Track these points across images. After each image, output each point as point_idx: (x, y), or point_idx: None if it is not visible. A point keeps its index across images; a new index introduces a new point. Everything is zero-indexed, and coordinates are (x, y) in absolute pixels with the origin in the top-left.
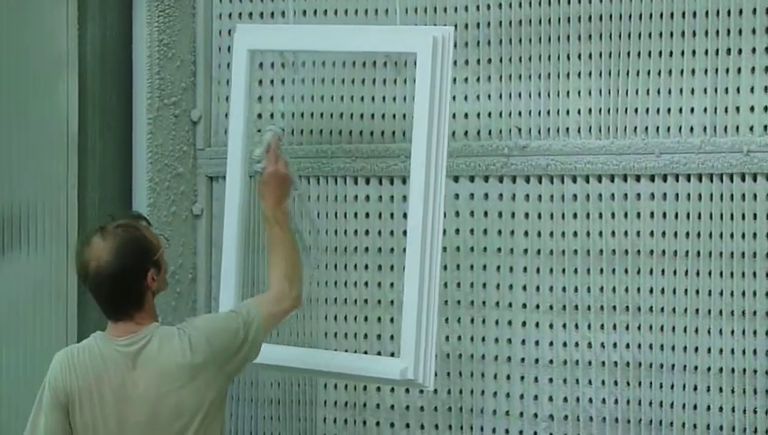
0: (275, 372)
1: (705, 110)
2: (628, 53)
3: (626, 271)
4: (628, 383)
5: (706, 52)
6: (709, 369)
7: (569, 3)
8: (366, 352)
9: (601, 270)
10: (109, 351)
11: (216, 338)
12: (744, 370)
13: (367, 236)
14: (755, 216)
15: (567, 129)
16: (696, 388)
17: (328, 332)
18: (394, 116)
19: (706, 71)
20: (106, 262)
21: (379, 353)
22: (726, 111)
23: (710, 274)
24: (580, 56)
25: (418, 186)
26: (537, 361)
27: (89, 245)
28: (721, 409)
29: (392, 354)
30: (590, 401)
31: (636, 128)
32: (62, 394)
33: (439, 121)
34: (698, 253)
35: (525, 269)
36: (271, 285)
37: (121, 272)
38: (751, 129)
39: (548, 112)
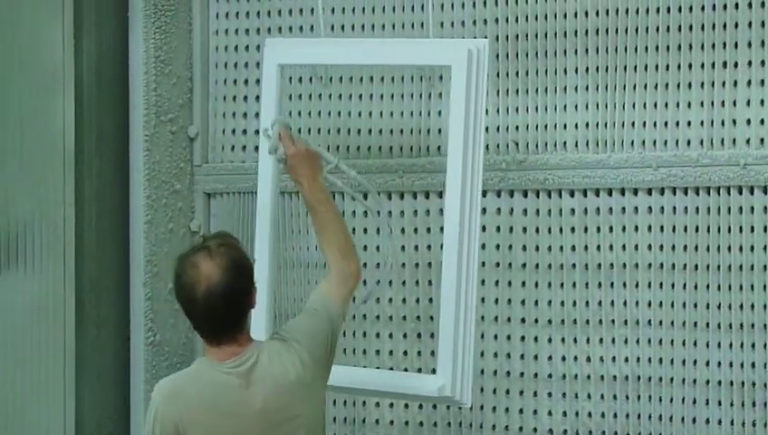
0: None
1: (702, 123)
2: (625, 67)
3: (624, 285)
4: (628, 397)
5: (703, 65)
6: (708, 382)
7: (565, 17)
8: (406, 370)
9: (600, 284)
10: (217, 375)
11: (314, 347)
12: (743, 383)
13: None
14: (752, 228)
15: (564, 143)
16: (695, 401)
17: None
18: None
19: (703, 84)
20: (218, 282)
21: (419, 370)
22: (723, 124)
23: (708, 287)
24: (576, 70)
25: (454, 200)
26: (536, 375)
27: (195, 266)
28: (720, 422)
29: (433, 371)
30: (590, 415)
31: (633, 141)
32: (171, 425)
33: (475, 134)
34: (696, 266)
35: (524, 284)
36: (330, 267)
37: (233, 291)
38: (747, 142)
39: (545, 127)
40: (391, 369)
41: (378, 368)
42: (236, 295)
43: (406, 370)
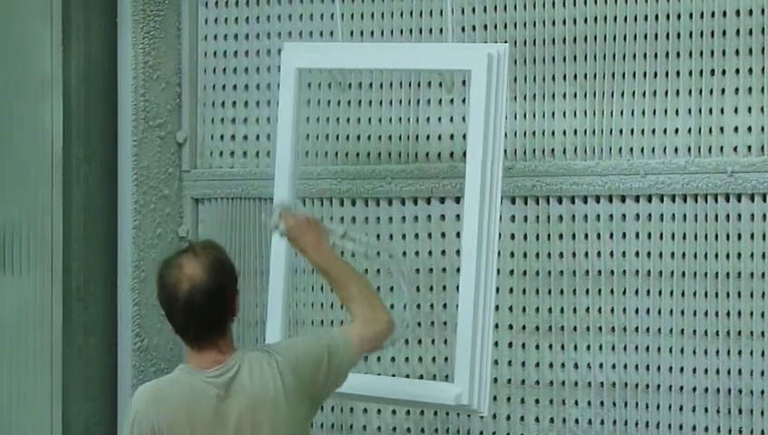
0: None
1: (690, 130)
2: (613, 75)
3: (612, 292)
4: (615, 404)
5: (690, 73)
6: (695, 389)
7: (553, 24)
8: (422, 376)
9: (587, 291)
10: (197, 383)
11: (300, 366)
12: (729, 390)
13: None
14: (740, 236)
15: (552, 150)
16: (681, 408)
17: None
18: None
19: (690, 91)
20: (202, 280)
21: (434, 377)
22: (710, 131)
23: (695, 294)
24: (564, 77)
25: (473, 205)
26: (523, 382)
27: (179, 266)
28: (706, 429)
29: (446, 377)
30: (577, 422)
31: (621, 149)
32: (148, 429)
33: (495, 139)
34: (683, 273)
35: (511, 290)
36: (354, 317)
37: (217, 290)
38: (735, 149)
39: (533, 133)
40: (407, 377)
41: (393, 375)
42: (219, 294)
43: (421, 377)
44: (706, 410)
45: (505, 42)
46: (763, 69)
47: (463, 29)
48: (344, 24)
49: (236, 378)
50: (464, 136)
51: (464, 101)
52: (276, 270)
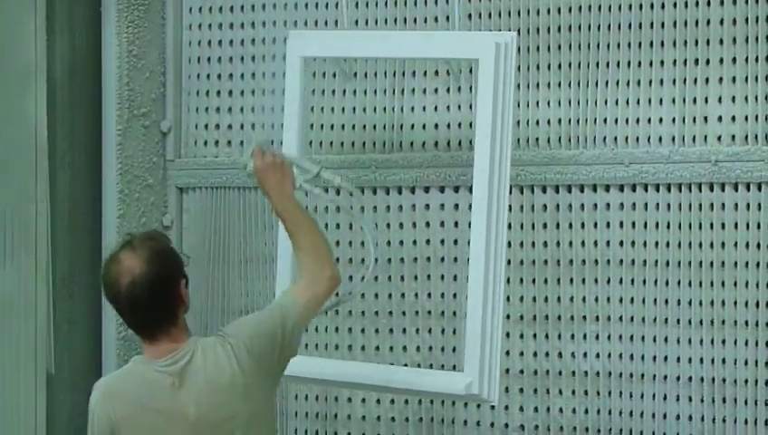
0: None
1: (674, 120)
2: (597, 64)
3: (596, 281)
4: (599, 393)
5: (674, 62)
6: (678, 378)
7: (538, 14)
8: (431, 366)
9: (571, 280)
10: (150, 373)
11: (255, 346)
12: (713, 379)
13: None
14: (723, 225)
15: (537, 139)
16: (665, 397)
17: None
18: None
19: (674, 81)
20: (141, 272)
21: (442, 366)
22: (694, 121)
23: (678, 283)
24: (549, 66)
25: (482, 195)
26: (508, 371)
27: (118, 261)
28: (690, 417)
29: (454, 367)
30: (561, 410)
31: (605, 138)
32: (107, 424)
33: (503, 128)
34: (667, 263)
35: None
36: (301, 273)
37: (158, 280)
38: (719, 138)
39: (518, 123)
40: (419, 366)
41: (406, 365)
42: (161, 285)
43: (431, 366)
44: (690, 398)
45: (490, 29)
46: (746, 58)
47: (459, 18)
48: (342, 11)
49: (189, 365)
50: (447, 125)
51: (448, 90)
52: (283, 258)
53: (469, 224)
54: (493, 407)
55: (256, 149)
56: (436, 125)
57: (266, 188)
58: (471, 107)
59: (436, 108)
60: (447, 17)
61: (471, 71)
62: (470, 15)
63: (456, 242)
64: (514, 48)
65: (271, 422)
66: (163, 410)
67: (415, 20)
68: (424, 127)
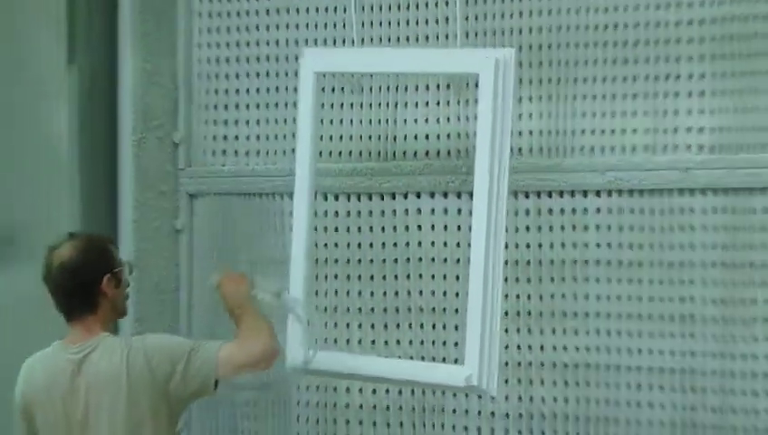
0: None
1: (646, 131)
2: (575, 80)
3: (575, 279)
4: (578, 383)
5: (646, 77)
6: (651, 369)
7: (520, 33)
8: (423, 358)
9: (552, 279)
10: (61, 360)
11: (154, 354)
12: (683, 369)
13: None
14: (692, 227)
15: (520, 149)
16: (639, 386)
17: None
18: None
19: (647, 95)
20: (68, 258)
21: (433, 359)
22: (665, 132)
23: (651, 281)
24: (531, 81)
25: (482, 201)
26: None
27: (57, 247)
28: (662, 406)
29: (444, 359)
30: (543, 399)
31: (583, 148)
32: (22, 402)
33: (502, 139)
34: (640, 262)
35: None
36: (235, 337)
37: (81, 266)
38: (688, 148)
39: None
40: (411, 358)
41: (411, 357)
42: (84, 270)
43: (423, 358)
44: (661, 387)
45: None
46: (714, 74)
47: (458, 37)
48: (355, 32)
49: (88, 357)
50: (437, 136)
51: (438, 104)
52: (297, 255)
53: (458, 227)
54: (493, 398)
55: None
56: (427, 136)
57: (223, 290)
58: (459, 119)
59: (426, 120)
60: (447, 36)
61: (468, 84)
62: (467, 34)
63: (445, 244)
64: (513, 63)
65: (164, 431)
66: (62, 397)
67: (417, 38)
68: (416, 138)
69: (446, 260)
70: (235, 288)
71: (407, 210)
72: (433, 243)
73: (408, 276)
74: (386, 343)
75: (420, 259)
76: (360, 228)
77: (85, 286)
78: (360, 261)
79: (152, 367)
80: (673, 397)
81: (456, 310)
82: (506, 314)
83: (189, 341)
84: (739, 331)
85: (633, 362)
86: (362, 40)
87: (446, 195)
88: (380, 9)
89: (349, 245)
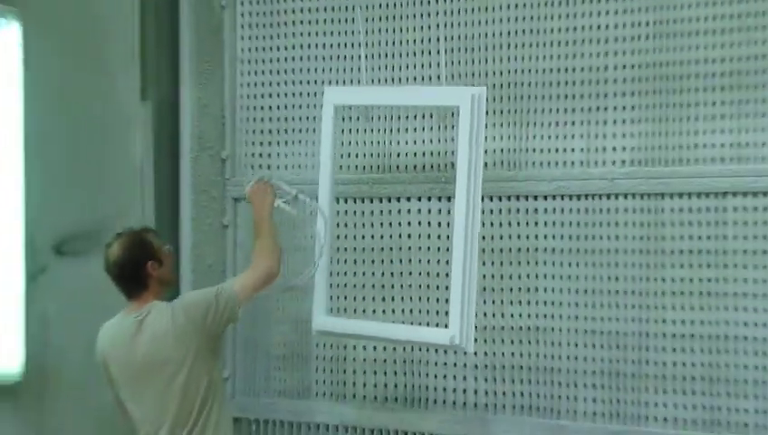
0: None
1: (582, 149)
2: (527, 110)
3: (528, 263)
4: (529, 342)
5: (582, 109)
6: (585, 331)
7: (488, 76)
8: (412, 324)
9: (511, 262)
10: (126, 323)
11: (190, 308)
12: (610, 331)
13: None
14: (617, 223)
15: (486, 163)
16: (576, 345)
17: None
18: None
19: (582, 122)
20: (117, 256)
21: (419, 324)
22: (597, 150)
23: (586, 264)
24: (494, 112)
25: (461, 204)
26: None
27: (110, 247)
28: (593, 359)
29: (428, 324)
30: (503, 354)
31: (533, 163)
32: (101, 357)
33: (476, 156)
34: (578, 250)
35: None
36: (251, 263)
37: (127, 261)
38: (614, 163)
39: None
40: (420, 324)
41: (411, 323)
42: (130, 265)
43: (411, 324)
44: (593, 345)
45: (453, 75)
46: (633, 106)
47: (445, 77)
48: (364, 74)
49: (146, 318)
50: (423, 154)
51: (423, 129)
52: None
53: (439, 223)
54: (475, 353)
55: (255, 181)
56: (415, 154)
57: (252, 200)
58: (439, 141)
59: (415, 142)
60: (432, 77)
61: (452, 114)
62: (451, 76)
63: (429, 236)
64: (484, 98)
65: (209, 363)
66: (125, 352)
67: (414, 79)
68: (407, 155)
69: (429, 249)
70: (262, 198)
71: (399, 211)
72: (420, 236)
73: (401, 261)
74: (383, 311)
75: (410, 248)
76: (364, 224)
77: (134, 274)
78: (364, 249)
79: (193, 317)
80: (601, 352)
81: (438, 287)
82: (484, 289)
83: (212, 288)
84: (652, 301)
85: (572, 325)
86: (371, 80)
87: (429, 199)
88: (385, 56)
89: (355, 237)
